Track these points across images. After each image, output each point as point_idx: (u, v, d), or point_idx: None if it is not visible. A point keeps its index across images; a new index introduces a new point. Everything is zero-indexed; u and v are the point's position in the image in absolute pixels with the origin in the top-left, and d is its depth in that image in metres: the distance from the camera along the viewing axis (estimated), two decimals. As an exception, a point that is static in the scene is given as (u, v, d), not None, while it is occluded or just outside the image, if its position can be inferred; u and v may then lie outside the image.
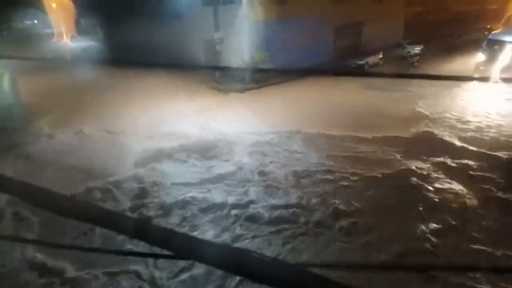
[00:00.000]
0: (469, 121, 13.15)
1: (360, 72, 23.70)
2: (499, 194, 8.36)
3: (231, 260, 1.24)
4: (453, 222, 7.42)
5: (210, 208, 8.23)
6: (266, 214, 7.86)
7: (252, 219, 7.81)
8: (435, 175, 9.28)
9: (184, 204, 8.35)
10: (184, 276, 6.30)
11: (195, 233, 7.31)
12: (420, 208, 7.85)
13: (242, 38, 20.10)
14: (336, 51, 25.16)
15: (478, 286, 5.81)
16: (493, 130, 12.24)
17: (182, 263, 6.43)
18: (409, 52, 25.42)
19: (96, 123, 13.46)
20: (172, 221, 7.80)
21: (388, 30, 28.33)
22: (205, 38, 21.19)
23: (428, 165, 9.74)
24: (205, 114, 14.63)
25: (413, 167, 9.57)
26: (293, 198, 8.44)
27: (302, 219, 7.71)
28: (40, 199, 1.58)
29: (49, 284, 6.22)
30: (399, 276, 5.88)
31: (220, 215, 8.00)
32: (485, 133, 12.03)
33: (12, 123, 12.66)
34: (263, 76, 19.96)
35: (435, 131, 12.12)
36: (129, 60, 23.04)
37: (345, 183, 9.02)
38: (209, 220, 7.88)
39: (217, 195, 8.68)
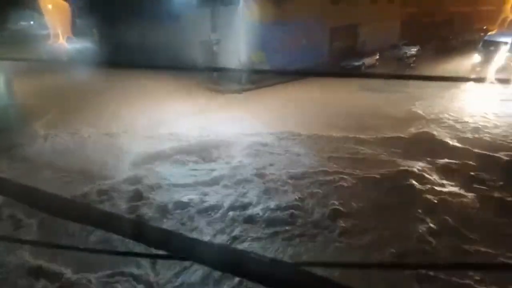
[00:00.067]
0: (466, 122, 13.22)
1: (356, 73, 23.73)
2: (496, 194, 8.40)
3: (229, 261, 1.24)
4: (452, 223, 7.44)
5: (207, 209, 8.21)
6: (264, 216, 7.85)
7: (250, 220, 7.79)
8: (433, 175, 9.31)
9: (182, 205, 8.33)
10: (183, 278, 6.28)
11: (192, 235, 7.30)
12: (419, 209, 7.86)
13: (239, 39, 20.11)
14: (332, 52, 25.23)
15: (476, 285, 5.83)
16: (490, 131, 12.30)
17: (179, 266, 6.41)
18: (405, 53, 25.50)
19: (93, 124, 13.41)
20: (170, 223, 7.77)
21: (384, 31, 28.43)
22: (202, 39, 21.19)
23: (426, 166, 9.77)
24: (202, 115, 14.61)
25: (411, 168, 9.59)
26: (291, 199, 8.43)
27: (301, 220, 7.71)
28: (37, 200, 1.57)
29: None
30: (399, 276, 5.89)
31: (218, 217, 7.98)
32: (482, 134, 12.10)
33: (8, 124, 12.58)
34: (260, 77, 19.98)
35: (433, 132, 12.17)
36: (125, 62, 22.98)
37: (343, 184, 9.03)
38: (207, 222, 7.86)
39: (214, 197, 8.67)
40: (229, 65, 19.48)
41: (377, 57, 24.69)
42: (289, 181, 9.31)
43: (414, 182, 8.90)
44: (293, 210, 8.00)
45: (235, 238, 7.34)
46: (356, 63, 23.06)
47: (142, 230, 1.46)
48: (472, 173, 9.32)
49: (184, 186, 9.24)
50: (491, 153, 10.30)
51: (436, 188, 8.72)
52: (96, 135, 12.65)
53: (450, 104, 15.38)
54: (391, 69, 23.03)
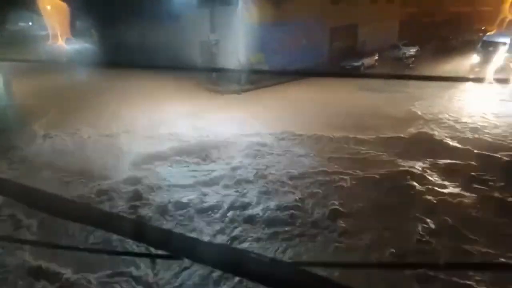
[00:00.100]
0: (465, 122, 13.24)
1: (356, 73, 23.77)
2: (496, 195, 8.40)
3: (229, 260, 1.24)
4: (451, 223, 7.43)
5: (207, 210, 8.21)
6: (264, 216, 7.85)
7: (250, 221, 7.79)
8: (433, 175, 9.32)
9: (181, 206, 8.32)
10: (182, 278, 6.27)
11: (192, 236, 7.28)
12: (418, 209, 7.86)
13: (238, 40, 20.12)
14: (332, 53, 25.24)
15: (476, 285, 5.83)
16: (489, 131, 12.32)
17: (179, 265, 6.40)
18: (405, 53, 25.54)
19: (92, 125, 13.40)
20: (169, 224, 7.77)
21: (384, 32, 28.46)
22: (201, 40, 21.19)
23: (426, 166, 9.78)
24: (201, 115, 14.61)
25: (411, 168, 9.60)
26: (290, 200, 8.43)
27: (300, 221, 7.71)
28: (37, 200, 1.57)
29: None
30: (399, 276, 5.90)
31: (218, 217, 7.98)
32: (481, 134, 12.11)
33: (7, 125, 12.57)
34: (259, 78, 19.98)
35: (432, 132, 12.19)
36: (124, 62, 22.96)
37: (343, 184, 9.03)
38: (207, 222, 7.86)
39: (214, 197, 8.67)
40: (228, 65, 19.49)
41: (377, 57, 24.72)
42: (289, 181, 9.31)
43: (414, 182, 8.91)
44: (293, 211, 8.00)
45: (235, 239, 7.34)
46: (356, 64, 23.08)
47: (142, 230, 1.46)
48: (472, 173, 9.32)
49: (184, 186, 9.24)
50: (490, 153, 10.31)
51: (435, 188, 8.73)
52: (96, 135, 12.64)
53: (450, 104, 15.40)
54: (390, 70, 23.04)
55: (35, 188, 1.53)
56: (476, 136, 11.97)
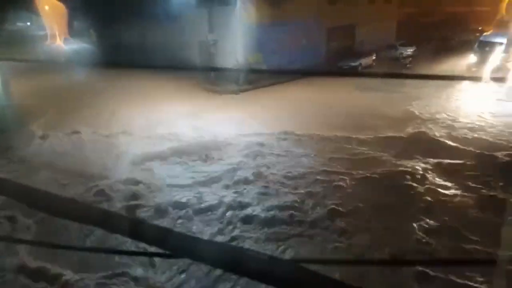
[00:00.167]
0: (462, 121, 13.29)
1: (353, 72, 23.85)
2: (492, 193, 8.44)
3: (229, 259, 1.25)
4: (450, 223, 7.46)
5: (205, 209, 8.21)
6: (263, 216, 7.86)
7: (249, 221, 7.80)
8: (431, 175, 9.35)
9: (179, 205, 8.32)
10: (182, 278, 6.28)
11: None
12: (417, 209, 7.89)
13: (236, 40, 20.12)
14: (329, 53, 25.27)
15: (471, 283, 5.87)
16: (486, 130, 12.37)
17: (179, 265, 6.41)
18: (402, 53, 25.59)
19: (91, 125, 13.37)
20: (167, 223, 7.76)
21: (381, 32, 28.49)
22: (200, 40, 21.19)
23: (423, 165, 9.81)
24: (200, 115, 14.61)
25: (409, 167, 9.64)
26: (289, 199, 8.45)
27: (299, 221, 7.72)
28: (36, 200, 1.58)
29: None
30: (397, 273, 5.93)
31: (217, 217, 7.98)
32: (479, 133, 12.16)
33: (5, 125, 12.54)
34: (257, 78, 19.98)
35: (430, 132, 12.23)
36: (123, 62, 22.92)
37: (341, 184, 9.05)
38: (204, 222, 7.87)
39: (212, 197, 8.67)
40: (227, 65, 19.48)
41: (374, 57, 24.75)
42: (287, 181, 9.33)
43: (412, 181, 8.95)
44: (292, 211, 8.01)
45: (234, 239, 7.34)
46: (353, 64, 23.11)
47: (142, 229, 1.48)
48: (470, 173, 9.36)
49: (183, 186, 9.24)
50: (488, 153, 10.35)
51: (434, 187, 8.76)
52: (94, 135, 12.61)
53: (447, 104, 15.45)
54: (388, 70, 23.03)
55: (35, 188, 1.54)
56: (474, 135, 12.02)
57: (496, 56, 19.28)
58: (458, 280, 5.92)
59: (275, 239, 7.25)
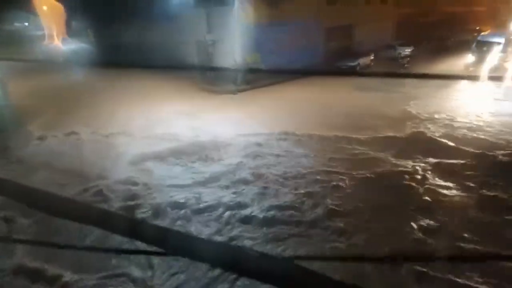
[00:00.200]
0: (460, 121, 13.32)
1: (352, 72, 23.90)
2: (492, 193, 8.45)
3: (228, 258, 1.25)
4: (447, 222, 7.48)
5: (203, 209, 8.20)
6: (262, 216, 7.85)
7: (246, 220, 7.79)
8: (429, 175, 9.35)
9: (177, 205, 8.32)
10: (181, 277, 6.28)
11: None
12: (416, 209, 7.89)
13: (234, 40, 20.12)
14: (328, 53, 25.30)
15: (468, 282, 5.88)
16: (484, 130, 12.40)
17: (177, 265, 6.41)
18: (400, 53, 25.66)
19: (89, 125, 13.36)
20: (165, 223, 7.75)
21: (379, 32, 28.58)
22: (198, 40, 21.18)
23: (423, 165, 9.82)
24: (198, 115, 14.61)
25: (408, 168, 9.66)
26: (287, 199, 8.45)
27: (297, 220, 7.72)
28: (36, 200, 1.58)
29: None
30: (394, 271, 5.95)
31: (214, 217, 7.98)
32: (477, 133, 12.18)
33: (3, 125, 12.51)
34: (255, 78, 20.00)
35: (429, 131, 12.25)
36: (121, 62, 22.89)
37: (340, 184, 9.05)
38: (203, 222, 7.86)
39: (210, 197, 8.66)
40: (224, 65, 19.49)
41: (372, 57, 24.81)
42: (286, 181, 9.33)
43: (411, 182, 8.95)
44: (290, 211, 8.01)
45: (232, 239, 7.34)
46: (352, 64, 23.15)
47: (141, 228, 1.48)
48: (469, 173, 9.37)
49: (182, 186, 9.23)
50: (487, 152, 10.37)
51: (433, 188, 8.77)
52: (92, 135, 12.60)
53: (445, 104, 15.48)
54: (386, 70, 23.13)
55: (34, 188, 1.54)
56: (473, 135, 12.04)
57: (493, 56, 19.36)
58: (458, 280, 5.93)
59: (274, 239, 7.25)
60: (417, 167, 9.69)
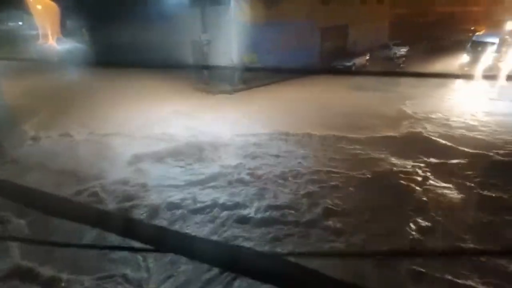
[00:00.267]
0: (457, 120, 13.40)
1: (348, 71, 24.00)
2: (487, 193, 8.49)
3: (225, 257, 1.24)
4: (444, 222, 7.50)
5: (199, 210, 8.18)
6: (258, 216, 7.84)
7: (243, 220, 7.78)
8: (425, 174, 9.38)
9: (174, 206, 8.29)
10: (179, 276, 6.26)
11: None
12: (413, 208, 7.90)
13: (230, 40, 20.11)
14: (323, 53, 25.36)
15: (468, 282, 5.91)
16: (480, 129, 12.48)
17: (175, 264, 6.39)
18: (395, 53, 25.78)
19: (83, 125, 13.30)
20: (161, 224, 7.73)
21: (374, 32, 28.68)
22: (193, 40, 21.14)
23: (420, 165, 9.85)
24: (194, 115, 14.58)
25: (405, 167, 9.68)
26: (283, 199, 8.44)
27: (293, 220, 7.72)
28: (33, 200, 1.56)
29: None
30: (392, 268, 5.97)
31: (210, 217, 7.96)
32: (472, 132, 12.25)
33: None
34: (252, 78, 20.01)
35: (424, 131, 12.31)
36: (116, 62, 22.82)
37: (336, 184, 9.06)
38: (199, 222, 7.84)
39: (207, 197, 8.64)
40: (220, 65, 19.48)
41: (368, 57, 24.89)
42: (283, 181, 9.32)
43: (409, 181, 8.97)
44: (285, 210, 8.01)
45: (230, 239, 7.32)
46: (347, 63, 23.22)
47: (137, 228, 1.47)
48: (466, 172, 9.41)
49: (178, 187, 9.19)
50: (483, 152, 10.43)
51: (430, 187, 8.79)
52: (87, 135, 12.54)
53: (441, 103, 15.58)
54: (381, 69, 23.23)
55: (30, 188, 1.53)
56: (469, 134, 12.11)
57: (488, 56, 19.49)
58: (458, 280, 5.95)
59: (271, 239, 7.24)
60: (416, 167, 9.72)
